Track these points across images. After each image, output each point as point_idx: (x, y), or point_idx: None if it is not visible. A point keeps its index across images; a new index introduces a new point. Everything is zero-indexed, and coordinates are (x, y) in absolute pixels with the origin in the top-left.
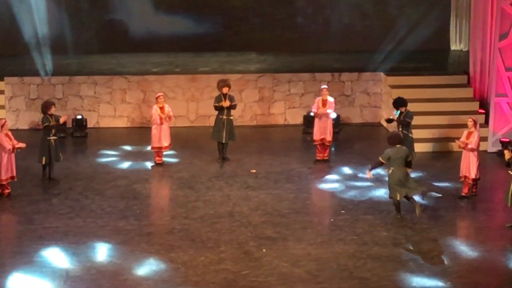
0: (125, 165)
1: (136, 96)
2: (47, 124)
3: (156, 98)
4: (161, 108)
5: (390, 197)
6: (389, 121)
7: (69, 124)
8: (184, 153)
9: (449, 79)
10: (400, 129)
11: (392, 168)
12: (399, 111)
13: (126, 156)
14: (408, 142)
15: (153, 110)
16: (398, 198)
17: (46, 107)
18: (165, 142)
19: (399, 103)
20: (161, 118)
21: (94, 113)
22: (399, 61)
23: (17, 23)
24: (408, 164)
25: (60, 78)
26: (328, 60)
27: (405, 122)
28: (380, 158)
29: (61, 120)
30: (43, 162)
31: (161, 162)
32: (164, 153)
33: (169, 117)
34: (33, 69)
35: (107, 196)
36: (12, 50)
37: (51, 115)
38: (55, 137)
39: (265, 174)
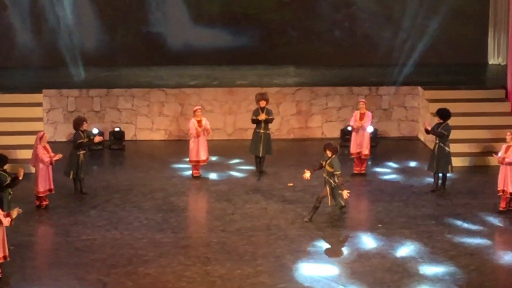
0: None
1: (173, 109)
2: (80, 141)
3: (194, 111)
4: (199, 122)
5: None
6: (426, 131)
7: (107, 137)
8: (221, 166)
9: (487, 93)
10: (437, 141)
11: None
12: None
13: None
14: (444, 155)
15: (190, 124)
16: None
17: (78, 123)
18: (203, 156)
19: (440, 113)
20: (197, 131)
21: (132, 126)
22: (436, 74)
23: (56, 36)
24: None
25: (98, 91)
26: (366, 73)
27: (440, 133)
28: (340, 173)
29: (96, 139)
30: (70, 176)
31: (198, 175)
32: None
33: (207, 131)
34: (71, 82)
35: (144, 208)
36: (51, 62)
37: (83, 131)
38: (84, 151)
39: (302, 187)
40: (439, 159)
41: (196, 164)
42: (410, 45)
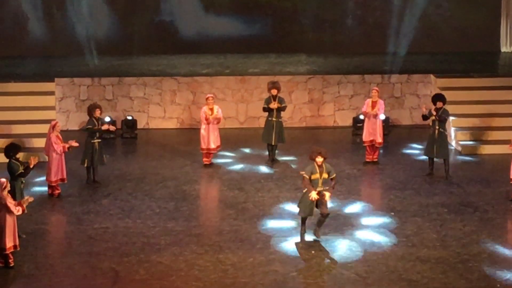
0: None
1: (185, 97)
2: (88, 127)
3: (206, 99)
4: (211, 110)
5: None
6: (424, 117)
7: (119, 125)
8: (234, 154)
9: (499, 81)
10: (437, 126)
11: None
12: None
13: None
14: (445, 140)
15: (201, 111)
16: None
17: (90, 110)
18: (213, 144)
19: (440, 97)
20: (207, 119)
21: (144, 114)
22: (448, 62)
23: (68, 24)
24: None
25: (110, 79)
26: (378, 61)
27: (442, 117)
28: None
29: (104, 127)
30: (85, 165)
31: (208, 163)
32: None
33: (218, 119)
34: (83, 70)
35: (157, 197)
36: (63, 51)
37: (97, 119)
38: (99, 140)
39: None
40: (440, 145)
41: (207, 152)
42: (422, 33)
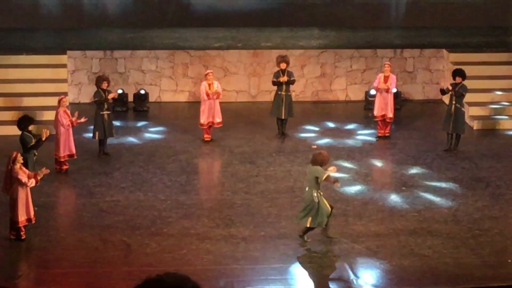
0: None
1: (197, 71)
2: (96, 99)
3: (205, 74)
4: (210, 85)
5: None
6: (442, 92)
7: (131, 98)
8: (246, 128)
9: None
10: (454, 102)
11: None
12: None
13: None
14: (461, 116)
15: (201, 87)
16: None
17: (97, 81)
18: (214, 119)
19: (456, 72)
20: (207, 94)
21: (156, 88)
22: (461, 37)
23: None
24: None
25: (122, 52)
26: (390, 36)
27: (459, 93)
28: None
29: (110, 96)
30: (97, 137)
31: (209, 139)
32: (221, 128)
33: (218, 94)
34: (95, 43)
35: (168, 170)
36: (75, 24)
37: (104, 90)
38: (109, 112)
39: (326, 150)
40: (456, 120)
41: (207, 128)
42: (436, 8)
